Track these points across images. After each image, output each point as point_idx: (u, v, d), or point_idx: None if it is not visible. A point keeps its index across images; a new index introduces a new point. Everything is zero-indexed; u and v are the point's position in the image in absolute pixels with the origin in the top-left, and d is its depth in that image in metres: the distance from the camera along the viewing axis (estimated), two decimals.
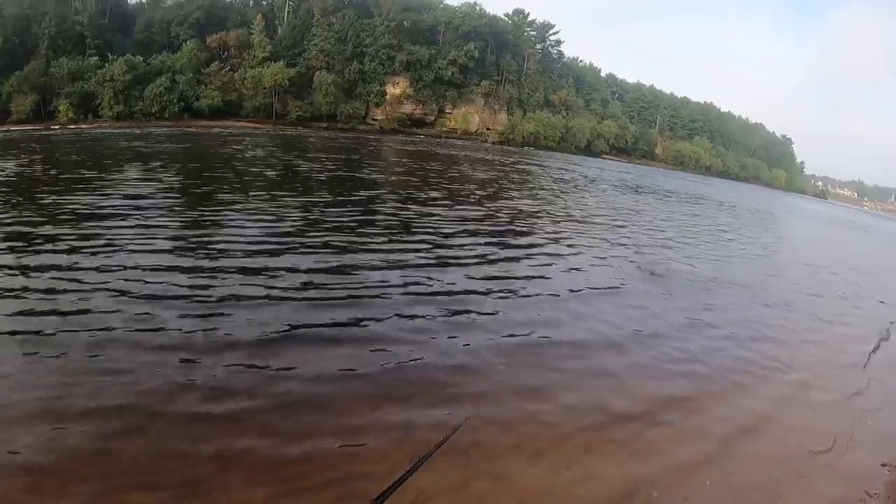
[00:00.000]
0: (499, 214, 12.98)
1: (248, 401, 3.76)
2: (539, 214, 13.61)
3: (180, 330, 4.76)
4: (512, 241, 10.11)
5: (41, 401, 3.56)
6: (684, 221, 17.34)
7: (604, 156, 75.42)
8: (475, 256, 8.41)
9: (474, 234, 10.45)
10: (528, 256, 8.85)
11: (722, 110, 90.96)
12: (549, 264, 8.47)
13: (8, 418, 3.34)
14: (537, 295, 6.75)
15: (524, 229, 11.44)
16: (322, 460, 3.10)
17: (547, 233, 11.20)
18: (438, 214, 11.90)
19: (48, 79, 53.88)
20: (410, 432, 3.44)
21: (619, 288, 7.53)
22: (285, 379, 4.09)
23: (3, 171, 15.65)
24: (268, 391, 3.91)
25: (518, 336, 5.36)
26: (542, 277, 7.63)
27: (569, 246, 10.01)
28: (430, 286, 6.63)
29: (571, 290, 7.03)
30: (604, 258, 9.45)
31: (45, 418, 3.37)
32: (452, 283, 6.82)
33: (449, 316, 5.69)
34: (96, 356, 4.19)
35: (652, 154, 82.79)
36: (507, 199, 16.50)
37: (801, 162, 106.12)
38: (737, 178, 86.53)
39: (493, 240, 9.96)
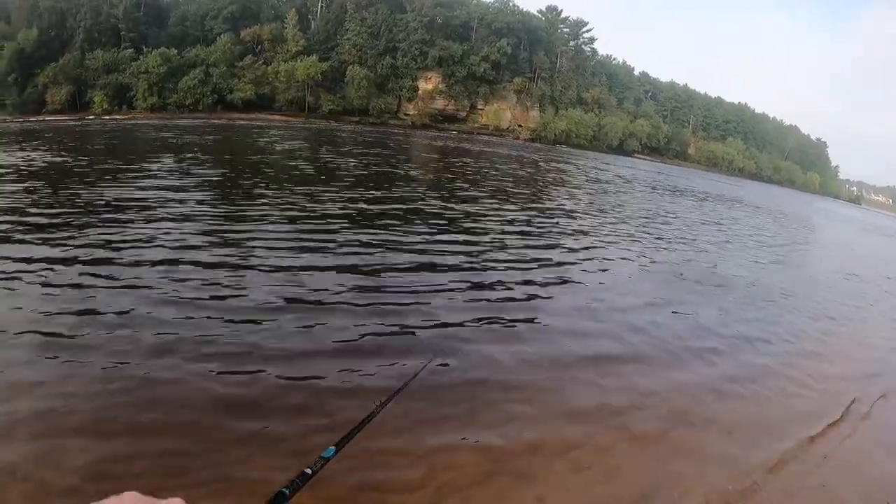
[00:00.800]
0: (542, 217, 12.26)
1: (275, 401, 3.59)
2: (582, 218, 12.93)
3: (214, 331, 4.48)
4: (557, 245, 9.50)
5: (68, 390, 3.49)
6: (725, 226, 16.63)
7: (636, 155, 73.76)
8: (522, 261, 7.94)
9: (523, 236, 9.85)
10: (573, 262, 8.33)
11: (756, 111, 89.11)
12: (592, 270, 8.00)
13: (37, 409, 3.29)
14: (581, 304, 6.34)
15: (568, 233, 10.77)
16: (346, 452, 2.34)
17: (589, 238, 10.60)
18: (485, 215, 11.34)
19: (83, 70, 53.57)
20: (446, 445, 3.26)
21: (666, 298, 7.05)
22: (318, 384, 3.87)
23: (32, 161, 15.03)
24: (298, 392, 3.72)
25: (561, 348, 4.95)
26: (585, 284, 7.21)
27: (611, 253, 9.43)
28: (477, 293, 6.22)
29: (616, 300, 6.65)
30: (645, 264, 8.89)
31: (71, 404, 3.31)
32: (499, 289, 6.45)
33: (493, 325, 5.31)
34: (122, 355, 3.97)
35: (684, 154, 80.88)
36: (548, 199, 15.90)
37: (836, 166, 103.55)
38: (770, 181, 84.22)
39: (540, 244, 9.40)
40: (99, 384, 3.58)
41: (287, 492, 0.66)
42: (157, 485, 2.71)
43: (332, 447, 0.83)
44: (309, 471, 0.73)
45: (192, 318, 4.68)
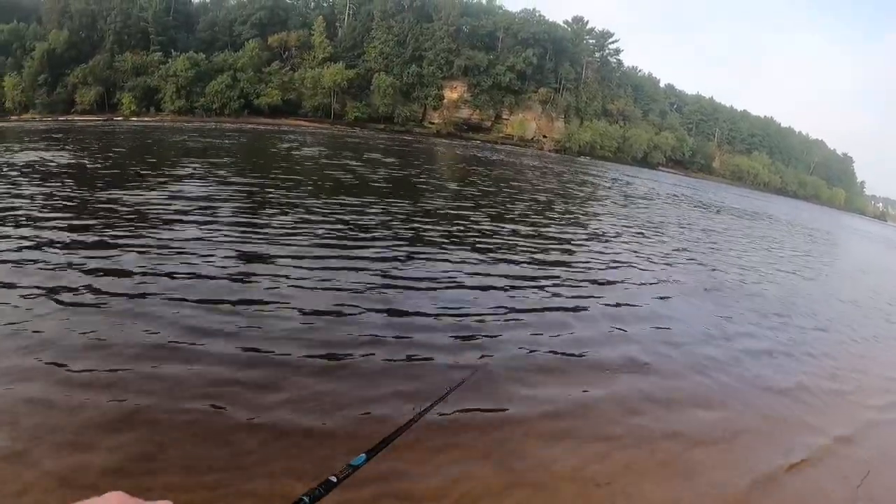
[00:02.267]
0: (594, 239, 11.30)
1: (300, 404, 3.45)
2: (632, 239, 11.97)
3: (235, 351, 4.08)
4: (612, 268, 8.69)
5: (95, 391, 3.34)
6: (769, 245, 15.96)
7: (660, 167, 72.58)
8: (573, 284, 7.20)
9: (576, 257, 9.03)
10: (629, 287, 7.60)
11: (782, 125, 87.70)
12: (646, 296, 7.20)
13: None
14: (631, 332, 5.67)
15: (621, 256, 9.83)
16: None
17: (642, 261, 9.67)
18: (540, 234, 10.61)
19: (112, 72, 53.58)
20: (464, 456, 3.17)
21: (724, 329, 6.38)
22: (350, 397, 3.62)
23: (52, 161, 14.49)
24: (325, 407, 3.47)
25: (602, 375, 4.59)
26: (637, 310, 6.53)
27: (665, 276, 8.74)
28: (524, 313, 5.66)
29: (670, 328, 6.03)
30: (698, 290, 8.12)
31: (95, 399, 3.22)
32: (546, 309, 5.92)
33: (528, 337, 5.03)
34: (144, 359, 3.79)
35: (709, 168, 79.60)
36: (592, 217, 15.01)
37: (862, 181, 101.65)
38: (795, 196, 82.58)
39: (593, 266, 8.58)
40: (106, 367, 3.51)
41: (307, 500, 0.62)
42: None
43: (363, 455, 0.80)
44: (334, 479, 0.69)
45: (212, 326, 4.41)
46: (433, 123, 63.90)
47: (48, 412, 3.09)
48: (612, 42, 71.43)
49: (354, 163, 20.95)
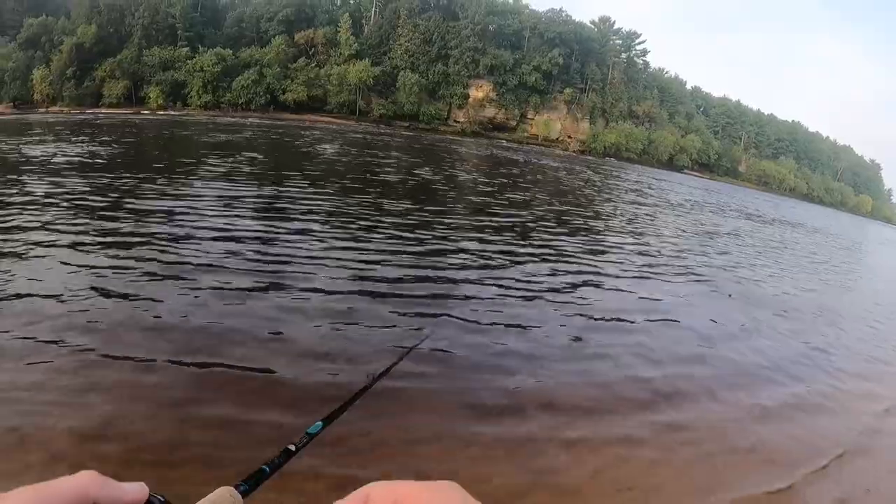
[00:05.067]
0: (673, 255, 10.59)
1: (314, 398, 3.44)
2: (699, 255, 11.25)
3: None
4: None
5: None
6: (829, 263, 15.22)
7: (685, 171, 71.19)
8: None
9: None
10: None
11: (809, 130, 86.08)
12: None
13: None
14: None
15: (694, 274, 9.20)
16: (382, 451, 3.05)
17: (702, 280, 9.13)
18: (616, 248, 10.07)
19: (140, 66, 53.34)
20: (483, 456, 3.13)
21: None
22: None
23: (64, 153, 14.36)
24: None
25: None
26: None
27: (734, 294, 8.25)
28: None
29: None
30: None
31: (114, 395, 3.26)
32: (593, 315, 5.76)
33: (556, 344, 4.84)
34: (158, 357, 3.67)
35: (735, 172, 78.03)
36: (645, 226, 14.35)
37: (889, 189, 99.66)
38: (821, 202, 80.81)
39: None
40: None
41: (267, 469, 0.60)
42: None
43: (320, 422, 0.75)
44: (293, 447, 0.68)
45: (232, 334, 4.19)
46: (458, 122, 63.14)
47: None
48: (639, 42, 70.52)
49: (391, 168, 19.96)
